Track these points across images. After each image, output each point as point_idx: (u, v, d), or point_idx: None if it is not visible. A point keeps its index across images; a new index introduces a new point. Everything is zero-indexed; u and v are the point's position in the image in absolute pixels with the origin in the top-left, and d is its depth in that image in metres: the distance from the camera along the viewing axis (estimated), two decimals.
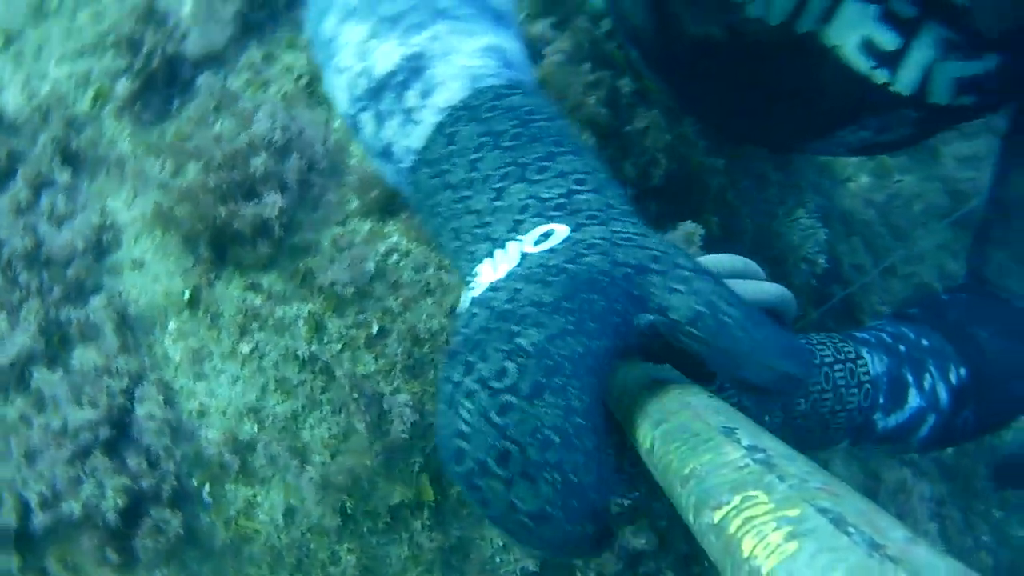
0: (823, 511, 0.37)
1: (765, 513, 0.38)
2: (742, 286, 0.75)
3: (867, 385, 0.85)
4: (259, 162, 1.39)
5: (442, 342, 1.32)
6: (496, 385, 0.52)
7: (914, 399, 0.96)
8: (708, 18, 1.35)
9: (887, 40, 1.25)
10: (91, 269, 1.42)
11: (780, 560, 0.36)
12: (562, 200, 0.62)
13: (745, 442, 0.45)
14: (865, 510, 0.37)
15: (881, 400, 0.89)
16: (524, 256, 0.59)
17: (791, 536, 0.36)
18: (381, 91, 0.78)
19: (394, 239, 1.41)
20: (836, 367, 0.81)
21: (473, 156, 0.67)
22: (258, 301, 1.41)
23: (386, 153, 0.78)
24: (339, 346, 1.37)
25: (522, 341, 0.53)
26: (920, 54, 1.24)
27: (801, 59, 1.31)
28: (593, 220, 0.61)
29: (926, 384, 0.98)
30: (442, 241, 0.69)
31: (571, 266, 0.56)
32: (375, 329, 1.36)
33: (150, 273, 1.44)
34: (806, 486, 0.39)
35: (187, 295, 1.40)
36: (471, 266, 0.63)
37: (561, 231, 0.60)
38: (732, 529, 0.39)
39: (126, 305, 1.42)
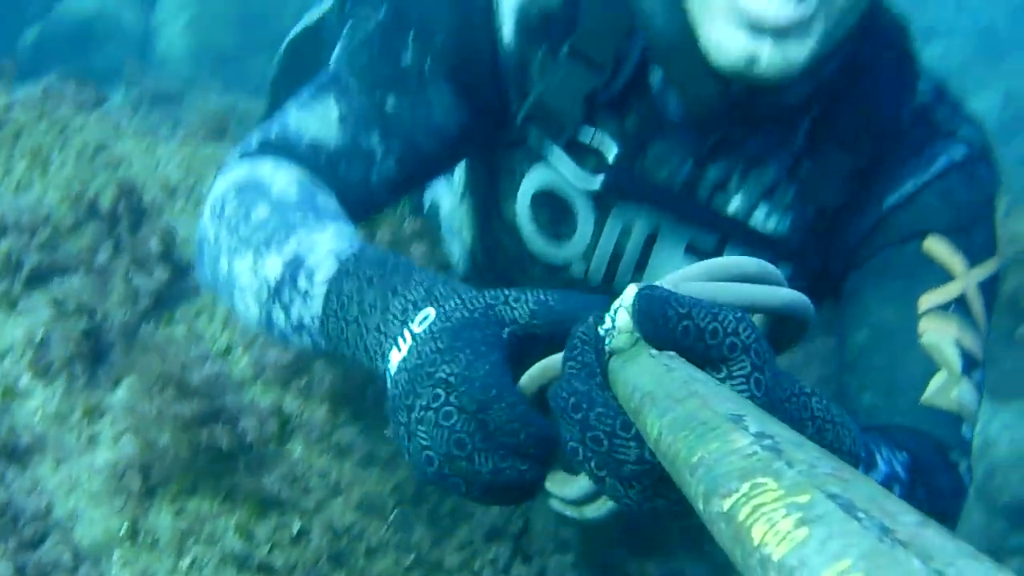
0: (832, 496, 0.36)
1: (774, 500, 0.37)
2: (750, 291, 0.73)
3: (854, 432, 0.85)
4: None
5: (356, 535, 1.52)
6: (435, 405, 0.74)
7: (881, 463, 0.96)
8: (543, 284, 1.47)
9: None
10: (36, 526, 1.47)
11: (791, 547, 0.35)
12: (425, 294, 0.86)
13: (753, 429, 0.44)
14: (875, 495, 0.37)
15: (863, 453, 0.87)
16: (414, 334, 0.82)
17: (801, 523, 0.35)
18: (280, 289, 1.03)
19: (297, 454, 1.56)
20: (833, 406, 0.82)
21: (358, 298, 0.92)
22: (188, 523, 1.46)
23: (299, 327, 1.02)
24: (267, 547, 1.46)
25: (440, 375, 0.75)
26: None
27: None
28: (448, 298, 0.83)
29: (884, 454, 0.99)
30: (360, 359, 0.91)
31: (448, 323, 0.79)
32: (296, 529, 1.48)
33: (86, 520, 1.49)
34: (815, 472, 0.39)
35: (124, 529, 1.46)
36: (385, 360, 0.84)
37: (432, 311, 0.82)
38: (742, 517, 0.38)
39: (75, 546, 1.46)
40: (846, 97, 1.28)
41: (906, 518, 0.35)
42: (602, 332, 0.70)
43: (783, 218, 1.33)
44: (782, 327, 0.78)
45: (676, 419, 0.50)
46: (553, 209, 1.40)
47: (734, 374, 0.64)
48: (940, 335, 1.23)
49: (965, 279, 1.27)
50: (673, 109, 1.28)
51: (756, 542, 0.37)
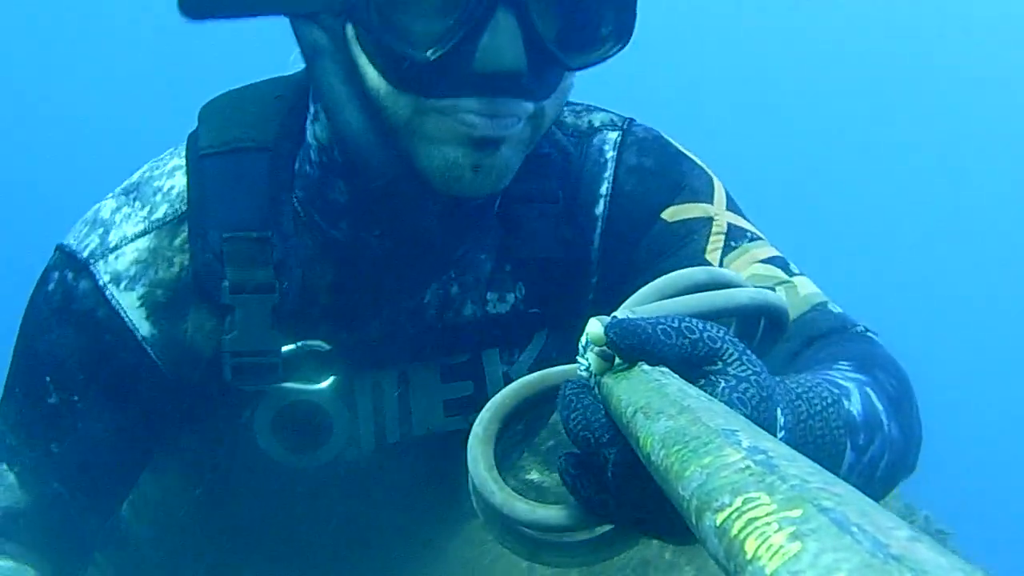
0: (825, 511, 0.35)
1: (767, 515, 0.36)
2: (708, 298, 0.71)
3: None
4: None
5: None
6: None
7: (843, 382, 0.92)
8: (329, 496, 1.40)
9: (461, 387, 1.32)
10: None
11: (783, 561, 0.34)
12: None
13: (746, 444, 0.43)
14: (868, 509, 0.35)
15: (835, 389, 0.84)
16: None
17: (794, 537, 0.34)
18: None
19: None
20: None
21: None
22: None
23: None
24: None
25: None
26: (492, 370, 1.33)
27: (402, 457, 1.36)
28: None
29: (839, 374, 0.95)
30: None
31: None
32: None
33: None
34: (807, 486, 0.37)
35: None
36: None
37: None
38: (734, 531, 0.37)
39: None
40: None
41: (899, 533, 0.34)
42: (584, 375, 0.68)
43: (515, 292, 1.31)
44: (756, 327, 0.76)
45: (668, 434, 0.48)
46: (298, 424, 1.29)
47: (729, 361, 0.63)
48: (747, 268, 1.22)
49: (719, 216, 1.26)
50: (371, 256, 1.22)
51: (748, 556, 0.35)
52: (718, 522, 0.38)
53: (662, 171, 1.29)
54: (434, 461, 1.38)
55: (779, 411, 0.67)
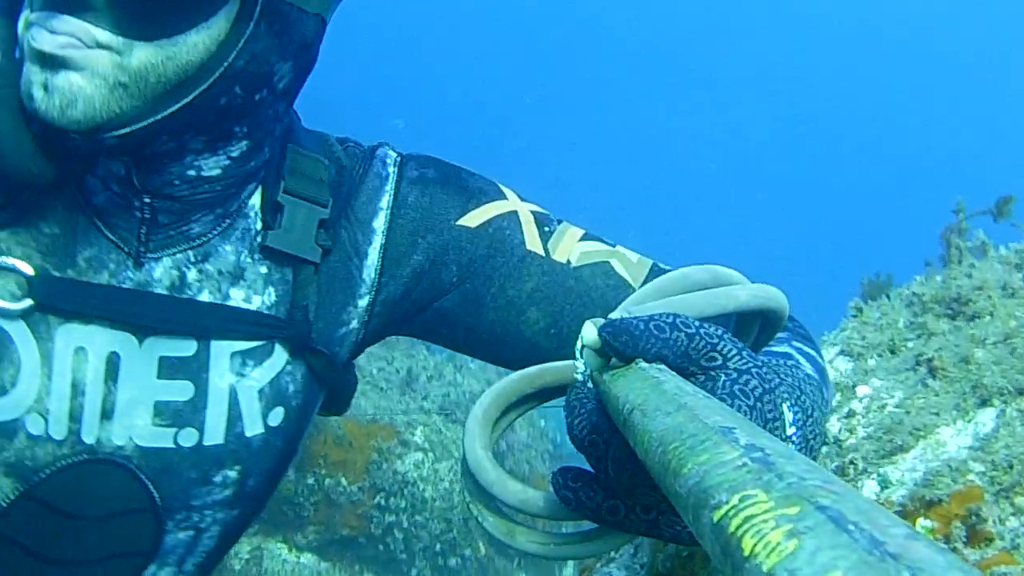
0: (822, 509, 0.35)
1: (764, 512, 0.36)
2: (708, 297, 0.70)
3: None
4: None
5: None
6: None
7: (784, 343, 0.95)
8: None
9: (179, 388, 1.18)
10: None
11: (780, 559, 0.33)
12: None
13: (743, 441, 0.42)
14: (865, 507, 0.35)
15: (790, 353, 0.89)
16: None
17: (791, 534, 0.34)
18: None
19: None
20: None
21: None
22: None
23: None
24: None
25: None
26: (219, 377, 1.19)
27: (96, 479, 1.17)
28: None
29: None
30: None
31: None
32: None
33: None
34: (805, 484, 0.37)
35: None
36: None
37: None
38: (732, 529, 0.37)
39: None
40: (285, 166, 1.21)
41: (896, 531, 0.34)
42: (582, 378, 0.67)
43: (264, 296, 1.21)
44: (753, 326, 0.76)
45: (666, 431, 0.48)
46: None
47: (729, 356, 0.62)
48: (575, 249, 1.23)
49: (519, 207, 1.27)
50: (102, 200, 1.12)
51: (746, 553, 0.35)
52: (715, 519, 0.38)
53: (445, 180, 1.28)
54: (124, 505, 1.19)
55: (786, 408, 0.66)
